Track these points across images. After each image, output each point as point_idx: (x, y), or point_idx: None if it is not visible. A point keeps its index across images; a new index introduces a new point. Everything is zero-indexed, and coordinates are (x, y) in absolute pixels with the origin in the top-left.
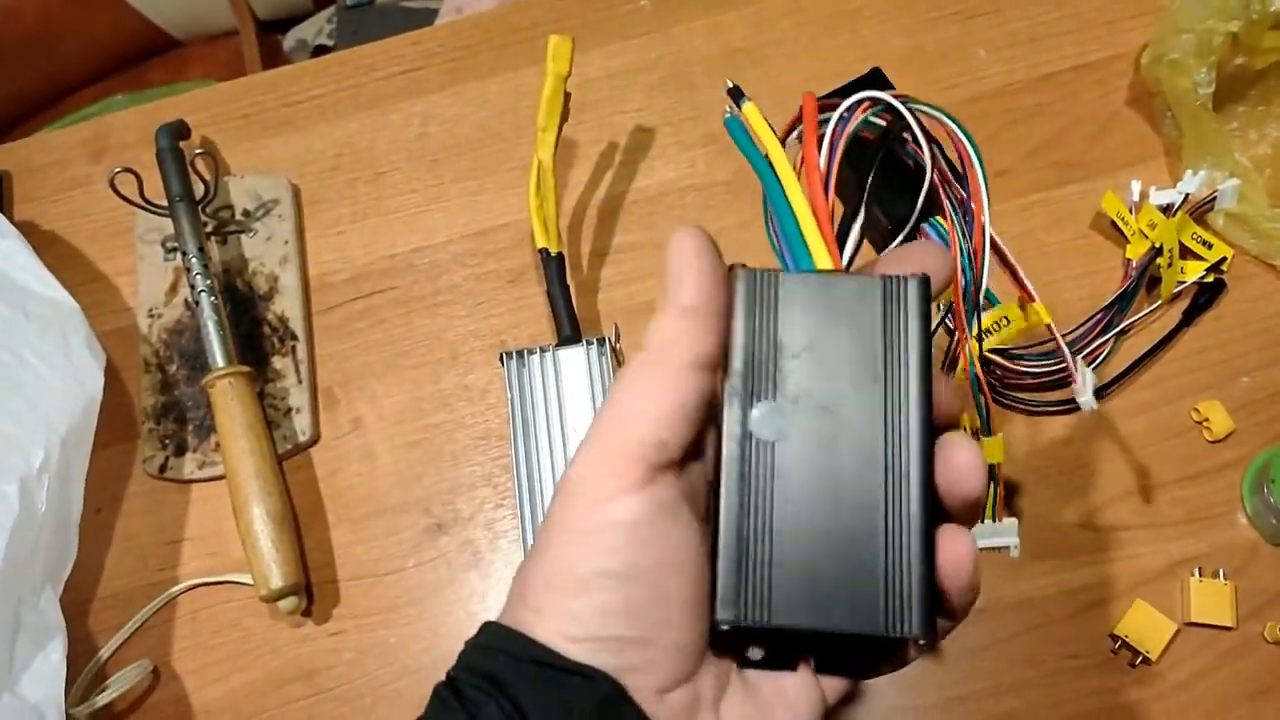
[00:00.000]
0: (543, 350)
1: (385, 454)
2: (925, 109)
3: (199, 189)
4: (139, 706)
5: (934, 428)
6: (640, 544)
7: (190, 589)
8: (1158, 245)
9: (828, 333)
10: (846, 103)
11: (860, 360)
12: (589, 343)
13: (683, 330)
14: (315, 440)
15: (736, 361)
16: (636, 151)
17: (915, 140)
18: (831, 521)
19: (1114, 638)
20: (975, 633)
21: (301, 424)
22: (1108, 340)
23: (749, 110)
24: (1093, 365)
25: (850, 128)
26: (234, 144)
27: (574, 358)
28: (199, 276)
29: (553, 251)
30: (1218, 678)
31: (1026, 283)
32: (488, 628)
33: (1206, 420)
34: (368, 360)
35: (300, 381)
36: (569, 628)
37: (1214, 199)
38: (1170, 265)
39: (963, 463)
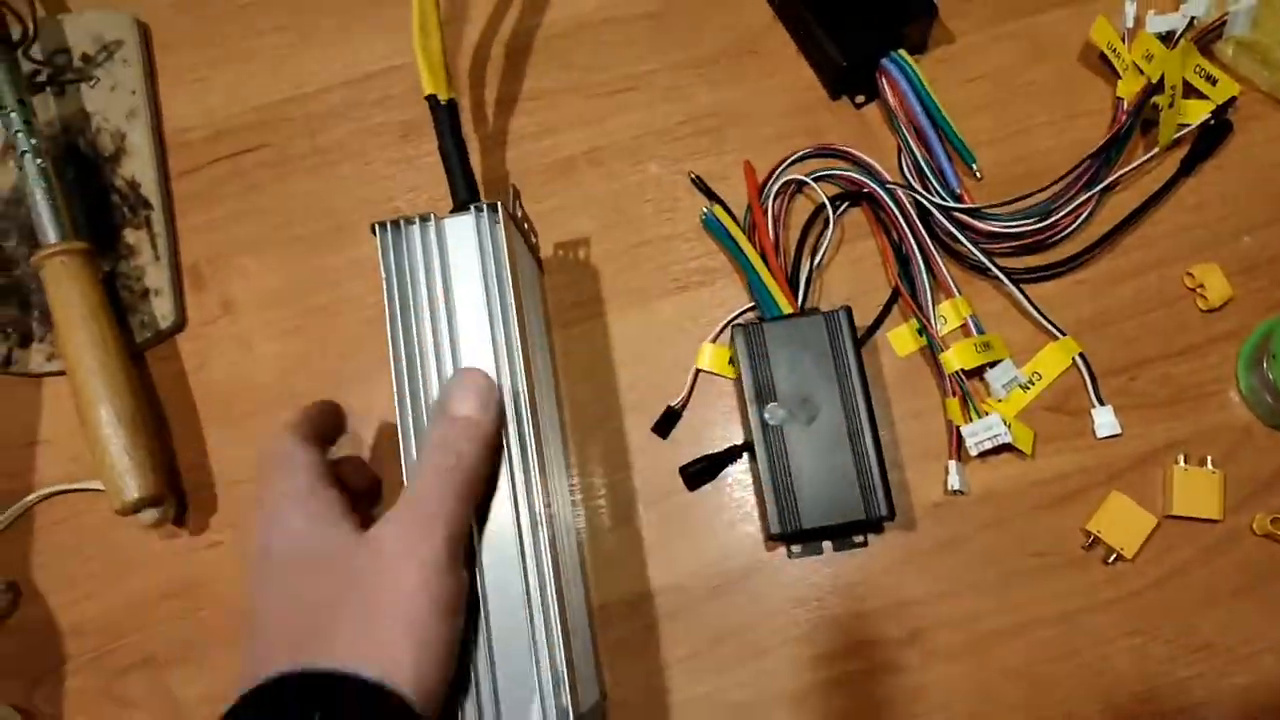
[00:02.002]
0: (423, 220)
1: (262, 341)
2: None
3: (16, 31)
4: None
5: (870, 396)
6: None
7: (46, 498)
8: (1156, 81)
9: (798, 353)
10: (776, 184)
11: (821, 365)
12: (479, 210)
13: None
14: (180, 326)
15: (749, 383)
16: None
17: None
18: (822, 461)
19: (1086, 534)
20: (928, 532)
21: (162, 308)
22: (1092, 197)
23: (718, 211)
24: (1074, 226)
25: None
26: None
27: (461, 228)
28: (21, 135)
29: (442, 98)
30: (1198, 575)
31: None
32: None
33: (1201, 286)
34: (238, 232)
35: (158, 258)
36: None
37: (1223, 24)
38: (1172, 105)
39: None
